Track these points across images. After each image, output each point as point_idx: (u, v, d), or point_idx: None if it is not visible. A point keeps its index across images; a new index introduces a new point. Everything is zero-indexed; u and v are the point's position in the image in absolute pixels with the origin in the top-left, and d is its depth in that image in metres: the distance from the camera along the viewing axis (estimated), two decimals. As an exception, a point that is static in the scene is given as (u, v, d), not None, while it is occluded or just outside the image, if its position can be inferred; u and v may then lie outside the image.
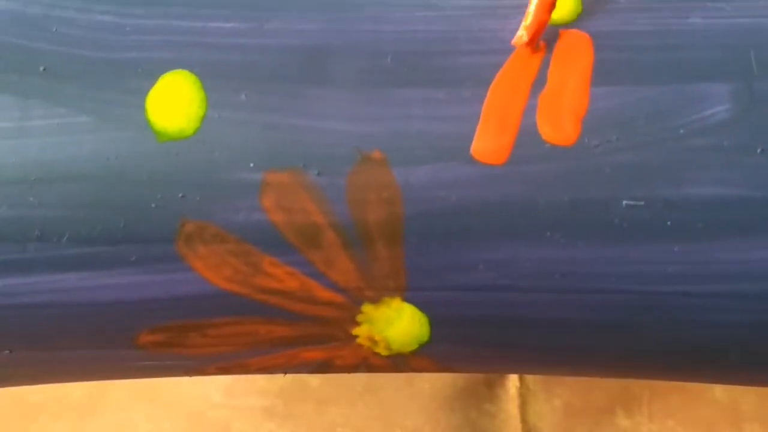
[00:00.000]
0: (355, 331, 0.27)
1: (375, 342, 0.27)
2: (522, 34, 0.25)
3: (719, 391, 0.39)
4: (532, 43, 0.25)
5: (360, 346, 0.27)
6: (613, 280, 0.25)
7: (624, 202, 0.24)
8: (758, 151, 0.24)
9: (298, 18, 0.26)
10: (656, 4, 0.25)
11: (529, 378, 0.39)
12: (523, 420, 0.40)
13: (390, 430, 0.39)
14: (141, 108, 0.24)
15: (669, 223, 0.24)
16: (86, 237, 0.25)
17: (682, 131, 0.24)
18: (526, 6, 0.25)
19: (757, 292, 0.25)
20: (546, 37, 0.25)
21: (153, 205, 0.24)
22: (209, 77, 0.25)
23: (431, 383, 0.39)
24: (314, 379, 0.38)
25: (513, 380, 0.40)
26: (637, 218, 0.24)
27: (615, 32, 0.25)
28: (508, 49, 0.25)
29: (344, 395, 0.38)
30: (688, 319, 0.26)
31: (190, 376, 0.30)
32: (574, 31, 0.25)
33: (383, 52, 0.25)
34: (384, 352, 0.28)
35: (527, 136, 0.24)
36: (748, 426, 0.39)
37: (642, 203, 0.24)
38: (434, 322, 0.26)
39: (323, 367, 0.29)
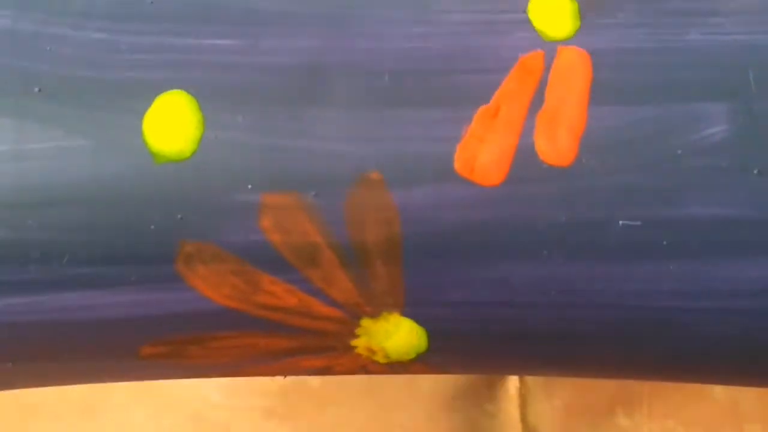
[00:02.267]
0: (354, 342, 0.27)
1: (373, 352, 0.28)
2: None
3: (719, 391, 0.39)
4: None
5: (359, 355, 0.28)
6: (609, 296, 0.25)
7: (621, 222, 0.24)
8: (755, 171, 0.24)
9: (295, 34, 0.25)
10: (654, 19, 0.25)
11: (529, 378, 0.40)
12: (523, 420, 0.40)
13: (390, 430, 0.40)
14: (138, 130, 0.24)
15: (665, 242, 0.24)
16: (86, 258, 0.25)
17: (679, 152, 0.24)
18: (527, 22, 0.25)
19: (750, 307, 0.25)
20: (546, 54, 0.25)
21: (152, 227, 0.25)
22: (206, 97, 0.25)
23: (431, 383, 0.40)
24: (314, 380, 0.39)
25: (513, 380, 0.40)
26: (634, 238, 0.24)
27: (614, 49, 0.25)
28: (506, 68, 0.25)
29: (344, 395, 0.39)
30: (682, 332, 0.26)
31: (191, 378, 0.31)
32: (573, 48, 0.25)
33: (380, 70, 0.25)
34: (382, 361, 0.28)
35: (525, 156, 0.24)
36: (748, 426, 0.39)
37: (639, 223, 0.24)
38: (432, 335, 0.27)
39: (322, 371, 0.29)
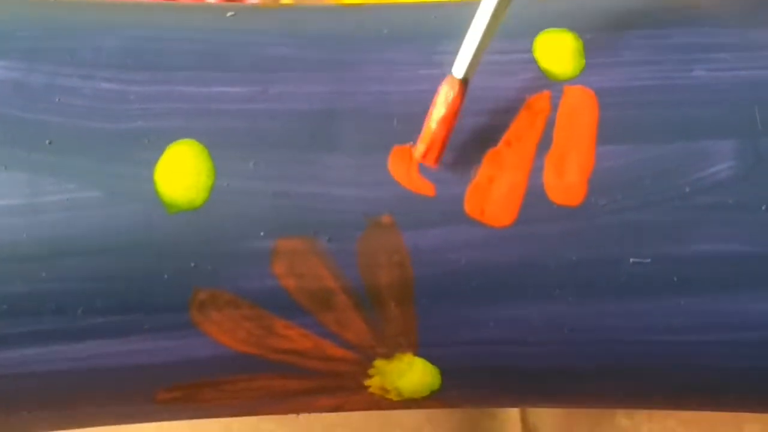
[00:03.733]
0: (368, 382, 0.27)
1: (387, 391, 0.28)
2: (419, 147, 0.25)
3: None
4: (430, 156, 0.24)
5: (372, 394, 0.28)
6: (620, 332, 0.25)
7: (631, 260, 0.25)
8: (762, 207, 0.24)
9: (303, 79, 0.26)
10: (659, 56, 0.25)
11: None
12: (523, 420, 0.40)
13: (390, 429, 0.40)
14: (150, 180, 0.24)
15: (675, 278, 0.25)
16: (101, 308, 0.25)
17: (687, 189, 0.24)
18: (533, 62, 0.25)
19: (758, 340, 0.25)
20: (552, 94, 0.25)
21: (165, 276, 0.25)
22: (216, 146, 0.25)
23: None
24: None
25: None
26: (644, 275, 0.25)
27: (619, 88, 0.25)
28: (514, 108, 0.25)
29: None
30: (693, 364, 0.26)
31: (207, 418, 0.31)
32: (579, 87, 0.25)
33: (389, 114, 0.25)
34: (396, 398, 0.28)
35: (534, 197, 0.25)
36: (748, 426, 0.39)
37: (648, 260, 0.25)
38: (446, 373, 0.27)
39: (335, 409, 0.30)
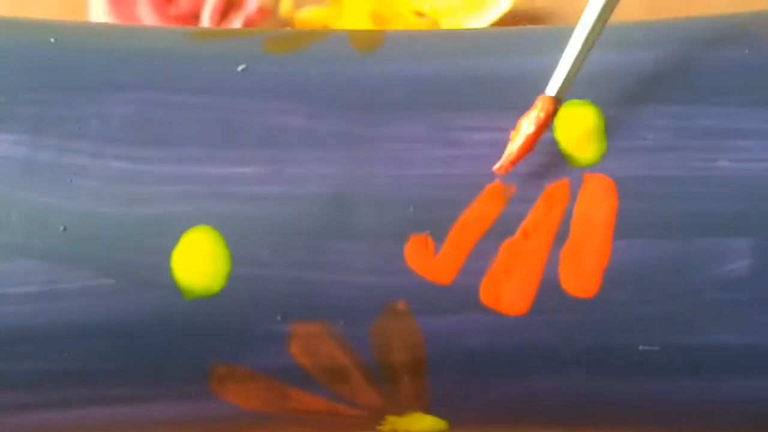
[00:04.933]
0: (380, 428, 0.28)
1: None
2: (503, 163, 0.25)
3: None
4: (504, 167, 0.25)
5: (383, 432, 0.29)
6: (628, 406, 0.26)
7: (640, 347, 0.25)
8: None
9: (318, 159, 0.25)
10: (684, 142, 0.25)
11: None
12: None
13: None
14: (167, 268, 0.24)
15: (683, 364, 0.25)
16: (122, 381, 0.26)
17: (701, 286, 0.24)
18: (554, 143, 0.25)
19: (762, 411, 0.26)
20: (572, 182, 0.25)
21: (184, 356, 0.25)
22: (232, 232, 0.25)
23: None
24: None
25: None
26: (652, 359, 0.25)
27: (640, 177, 0.25)
28: (533, 196, 0.25)
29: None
30: (695, 427, 0.27)
31: None
32: (599, 176, 0.25)
33: (405, 200, 0.25)
34: (406, 436, 0.30)
35: (549, 288, 0.25)
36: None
37: (657, 348, 0.25)
38: (455, 424, 0.28)
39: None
